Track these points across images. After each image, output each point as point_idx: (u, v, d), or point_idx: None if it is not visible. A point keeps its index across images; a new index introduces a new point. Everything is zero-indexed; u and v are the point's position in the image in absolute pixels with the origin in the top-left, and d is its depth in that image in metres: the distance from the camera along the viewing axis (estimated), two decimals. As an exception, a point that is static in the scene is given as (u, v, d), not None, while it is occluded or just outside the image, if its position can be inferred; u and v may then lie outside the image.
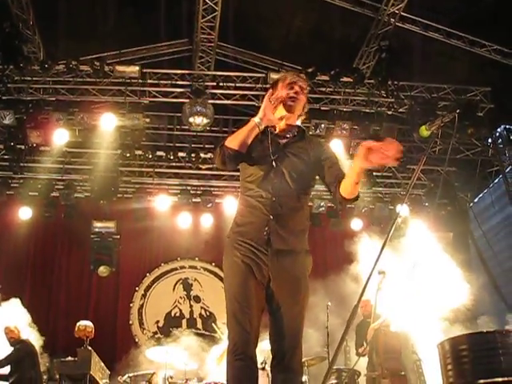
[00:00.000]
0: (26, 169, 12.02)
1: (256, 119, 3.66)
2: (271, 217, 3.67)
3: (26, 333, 8.57)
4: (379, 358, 7.69)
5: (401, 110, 11.16)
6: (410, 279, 7.56)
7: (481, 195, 13.31)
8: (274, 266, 3.60)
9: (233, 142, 3.70)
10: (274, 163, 3.73)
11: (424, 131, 10.64)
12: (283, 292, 3.45)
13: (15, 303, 9.20)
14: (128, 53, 11.25)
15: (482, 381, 4.84)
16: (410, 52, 10.46)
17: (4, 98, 10.76)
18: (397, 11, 9.88)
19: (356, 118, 11.20)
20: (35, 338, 8.91)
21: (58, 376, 7.60)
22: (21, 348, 8.28)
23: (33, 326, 9.08)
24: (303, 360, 8.16)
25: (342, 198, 3.71)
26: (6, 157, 11.91)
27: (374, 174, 12.28)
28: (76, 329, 8.75)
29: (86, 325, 8.79)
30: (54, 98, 11.08)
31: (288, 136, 3.84)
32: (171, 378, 7.90)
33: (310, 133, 10.45)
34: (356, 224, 12.77)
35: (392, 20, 10.04)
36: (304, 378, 8.01)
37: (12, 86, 10.81)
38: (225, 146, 3.70)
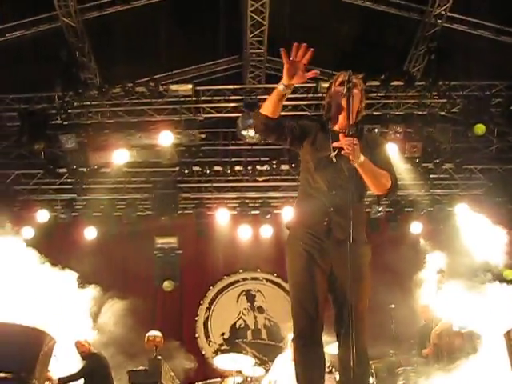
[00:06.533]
0: (88, 190, 12.43)
1: (280, 86, 3.84)
2: (331, 209, 3.84)
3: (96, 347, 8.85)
4: (444, 359, 7.68)
5: (453, 110, 11.08)
6: (438, 287, 7.54)
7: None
8: (336, 253, 3.75)
9: (265, 108, 3.95)
10: (334, 159, 3.89)
11: (479, 129, 10.61)
12: (346, 279, 3.49)
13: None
14: (180, 73, 11.53)
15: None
16: (460, 51, 10.41)
17: (65, 123, 11.19)
18: (443, 12, 9.86)
19: (409, 120, 11.15)
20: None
21: (129, 386, 7.84)
22: (92, 361, 8.55)
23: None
24: (370, 362, 8.25)
25: (376, 195, 4.05)
26: (69, 180, 12.33)
27: (431, 176, 12.22)
28: (146, 339, 9.02)
29: (155, 335, 9.05)
30: (112, 121, 11.45)
31: (346, 135, 3.96)
32: (240, 384, 8.04)
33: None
34: (415, 227, 12.73)
35: (439, 21, 10.02)
36: (371, 380, 8.05)
37: (72, 111, 11.21)
38: (259, 112, 3.97)
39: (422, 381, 8.01)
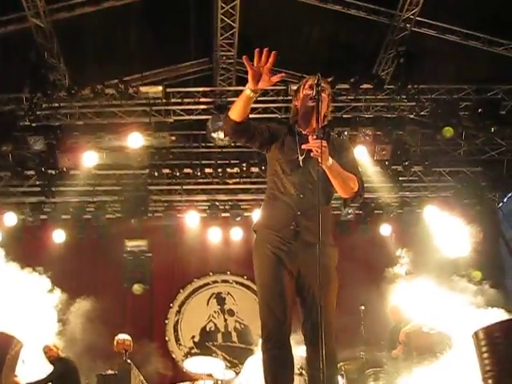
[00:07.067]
0: (57, 193, 12.28)
1: (247, 91, 3.77)
2: (299, 212, 3.85)
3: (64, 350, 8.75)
4: (413, 359, 7.72)
5: (422, 113, 11.18)
6: (407, 288, 7.64)
7: (510, 195, 13.24)
8: (303, 256, 3.77)
9: (233, 112, 3.89)
10: (301, 163, 3.91)
11: (447, 132, 10.73)
12: (314, 281, 3.52)
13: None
14: (150, 75, 11.48)
15: (519, 366, 4.87)
16: (429, 55, 10.54)
17: (33, 124, 11.06)
18: (412, 16, 9.96)
19: (378, 123, 11.24)
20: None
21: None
22: (61, 365, 8.44)
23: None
24: (340, 364, 8.28)
25: (342, 198, 4.05)
26: (37, 182, 12.18)
27: (400, 178, 12.31)
28: (115, 343, 8.93)
29: (124, 338, 8.97)
30: (81, 122, 11.34)
31: (314, 138, 3.94)
32: (210, 388, 8.01)
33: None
34: (385, 229, 12.83)
35: (408, 25, 10.12)
36: (341, 382, 8.07)
37: (40, 112, 11.09)
38: (228, 117, 3.91)
39: (391, 381, 8.06)
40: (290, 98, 10.92)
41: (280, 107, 11.34)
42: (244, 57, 3.69)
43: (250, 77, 3.72)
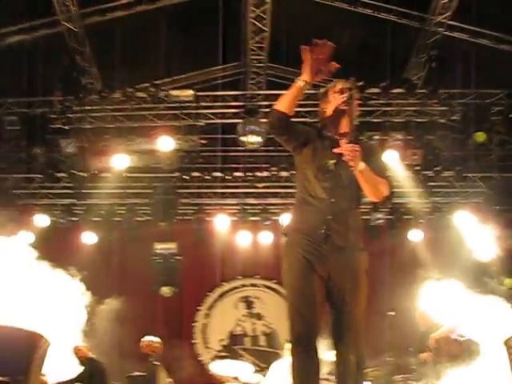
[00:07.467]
0: (88, 195, 12.41)
1: (301, 82, 3.77)
2: (329, 216, 3.82)
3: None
4: (443, 366, 7.63)
5: (454, 117, 11.08)
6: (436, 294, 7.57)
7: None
8: (334, 260, 3.74)
9: (280, 103, 3.86)
10: (331, 167, 3.89)
11: (479, 137, 10.60)
12: (344, 285, 3.55)
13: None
14: (181, 79, 11.55)
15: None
16: (461, 59, 10.43)
17: (65, 127, 11.20)
18: (444, 20, 9.88)
19: (409, 128, 11.17)
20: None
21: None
22: (90, 366, 8.52)
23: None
24: (368, 370, 8.20)
25: (372, 202, 4.02)
26: (69, 184, 12.32)
27: (431, 184, 12.20)
28: (142, 344, 8.98)
29: (151, 340, 9.02)
30: (112, 125, 11.45)
31: (347, 142, 3.90)
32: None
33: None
34: (415, 234, 12.72)
35: (440, 29, 10.04)
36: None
37: (72, 115, 11.23)
38: (274, 109, 3.88)
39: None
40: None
41: (310, 111, 11.30)
42: (304, 47, 3.69)
43: (307, 68, 3.73)
